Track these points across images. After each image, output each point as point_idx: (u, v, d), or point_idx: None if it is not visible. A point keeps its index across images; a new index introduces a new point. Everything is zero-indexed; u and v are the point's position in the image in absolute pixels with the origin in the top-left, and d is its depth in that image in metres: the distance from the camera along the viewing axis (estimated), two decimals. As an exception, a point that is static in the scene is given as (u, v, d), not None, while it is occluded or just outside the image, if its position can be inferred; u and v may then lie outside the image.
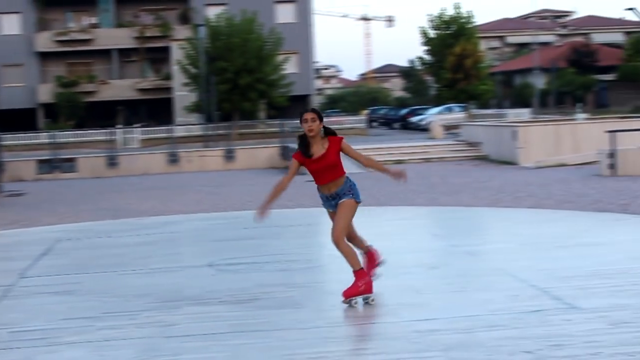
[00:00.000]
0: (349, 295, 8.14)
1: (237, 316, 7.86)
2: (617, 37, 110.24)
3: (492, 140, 32.29)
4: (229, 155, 34.30)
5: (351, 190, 8.37)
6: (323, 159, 8.22)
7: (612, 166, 22.24)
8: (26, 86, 68.69)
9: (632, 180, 20.72)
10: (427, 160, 32.30)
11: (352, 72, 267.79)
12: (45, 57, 69.66)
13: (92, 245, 13.63)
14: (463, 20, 63.66)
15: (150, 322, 7.80)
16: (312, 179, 8.49)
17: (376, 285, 8.31)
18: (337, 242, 8.21)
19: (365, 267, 8.55)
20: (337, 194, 8.33)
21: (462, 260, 10.31)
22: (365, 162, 8.48)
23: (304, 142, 8.28)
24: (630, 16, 72.56)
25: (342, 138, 8.37)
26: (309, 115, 8.22)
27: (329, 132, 8.35)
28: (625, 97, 77.86)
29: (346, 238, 8.37)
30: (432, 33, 64.60)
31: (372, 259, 8.84)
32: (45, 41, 68.95)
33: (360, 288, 8.15)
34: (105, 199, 22.61)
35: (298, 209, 17.70)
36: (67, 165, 34.03)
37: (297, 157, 8.36)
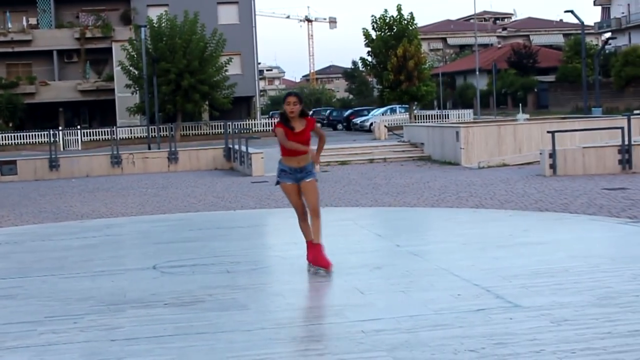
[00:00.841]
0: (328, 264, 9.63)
1: (182, 319, 7.81)
2: (557, 39, 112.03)
3: (435, 141, 32.53)
4: (173, 157, 34.09)
5: (312, 169, 9.82)
6: (302, 134, 9.65)
7: (552, 166, 22.54)
8: (-36, 87, 67.66)
9: (571, 179, 21.02)
10: (371, 161, 32.44)
11: (295, 73, 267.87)
12: (-16, 58, 68.68)
13: (33, 248, 13.44)
14: (405, 21, 64.00)
15: (93, 325, 7.72)
16: (281, 154, 9.74)
17: (320, 286, 8.34)
18: (319, 214, 9.69)
19: (307, 255, 9.91)
20: (304, 168, 9.71)
21: (406, 260, 10.36)
22: (324, 141, 10.35)
23: (286, 118, 9.65)
24: (569, 18, 73.49)
25: (315, 119, 10.09)
26: (292, 99, 9.67)
27: (304, 114, 9.87)
28: (565, 98, 79.00)
29: (300, 218, 9.86)
30: (374, 34, 64.85)
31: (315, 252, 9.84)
32: (-17, 42, 67.97)
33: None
34: (46, 202, 22.33)
35: (242, 211, 17.66)
36: (7, 167, 33.51)
37: (282, 127, 9.60)
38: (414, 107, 65.76)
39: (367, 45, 65.52)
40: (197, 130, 61.09)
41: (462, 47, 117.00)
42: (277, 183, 10.01)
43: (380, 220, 15.72)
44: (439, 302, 7.96)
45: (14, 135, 58.03)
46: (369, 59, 66.53)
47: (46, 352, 6.89)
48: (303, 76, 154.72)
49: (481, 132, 30.35)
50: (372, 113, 67.28)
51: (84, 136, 56.84)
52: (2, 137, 58.72)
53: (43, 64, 69.74)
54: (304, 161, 9.69)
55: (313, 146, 9.82)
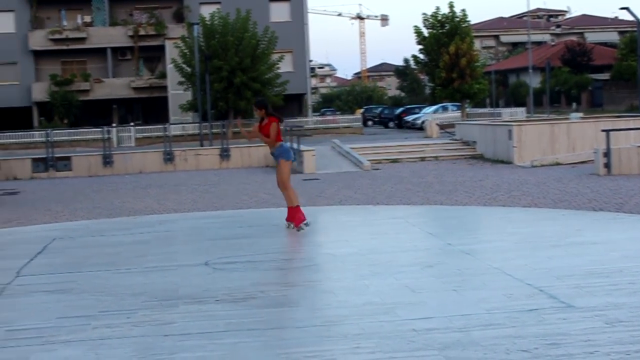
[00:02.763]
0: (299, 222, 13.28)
1: (233, 315, 7.85)
2: (612, 37, 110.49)
3: (487, 139, 32.31)
4: (225, 154, 34.26)
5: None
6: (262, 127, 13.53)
7: (607, 165, 22.26)
8: (21, 85, 68.59)
9: (626, 179, 20.75)
10: (422, 159, 32.30)
11: (346, 70, 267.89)
12: (40, 55, 69.56)
13: (87, 244, 13.60)
14: (457, 19, 63.61)
15: (146, 320, 7.78)
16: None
17: (372, 284, 8.33)
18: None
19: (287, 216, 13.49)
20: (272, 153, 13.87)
21: (457, 259, 10.31)
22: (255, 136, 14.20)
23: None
24: (624, 15, 72.54)
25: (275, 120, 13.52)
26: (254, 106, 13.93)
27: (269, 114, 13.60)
28: (620, 96, 77.96)
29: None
30: (426, 32, 64.54)
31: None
32: (39, 39, 68.85)
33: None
34: (100, 198, 22.58)
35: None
36: (62, 164, 33.95)
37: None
38: (466, 105, 65.35)
39: (419, 42, 65.24)
40: (249, 127, 61.30)
41: (515, 45, 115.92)
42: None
43: (431, 218, 15.66)
44: (491, 301, 7.90)
45: (69, 132, 58.72)
46: (421, 56, 66.24)
47: (100, 346, 6.96)
48: (354, 74, 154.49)
49: (534, 130, 30.08)
50: (423, 111, 66.95)
51: (137, 133, 57.32)
52: (57, 133, 59.46)
53: (97, 61, 70.45)
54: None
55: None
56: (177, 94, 63.48)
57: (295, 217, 13.39)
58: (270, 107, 13.90)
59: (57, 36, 68.71)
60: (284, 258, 10.90)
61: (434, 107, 66.32)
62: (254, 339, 6.92)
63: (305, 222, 13.42)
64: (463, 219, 15.02)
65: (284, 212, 16.35)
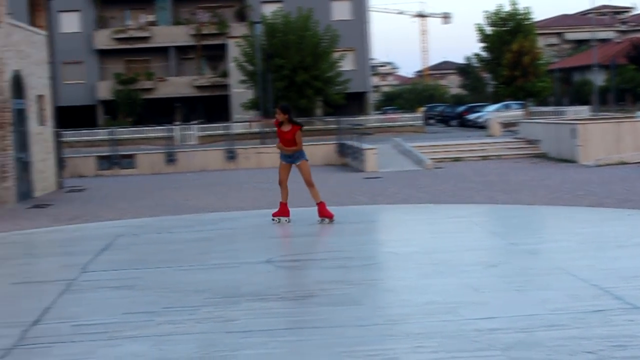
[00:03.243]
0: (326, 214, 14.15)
1: (295, 312, 7.87)
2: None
3: (550, 138, 31.96)
4: (286, 152, 34.35)
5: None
6: (284, 133, 14.14)
7: (674, 164, 21.89)
8: (86, 83, 69.66)
9: (694, 178, 20.38)
10: (485, 157, 32.08)
11: (408, 69, 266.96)
12: (104, 54, 70.56)
13: (151, 240, 13.75)
14: (520, 16, 63.05)
15: (209, 317, 7.84)
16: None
17: (435, 283, 8.28)
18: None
19: (279, 210, 14.43)
20: (290, 156, 14.52)
21: (521, 259, 10.21)
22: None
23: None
24: (693, 12, 71.11)
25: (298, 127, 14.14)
26: (277, 110, 14.22)
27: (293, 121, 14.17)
28: (687, 94, 76.47)
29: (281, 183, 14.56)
30: (489, 30, 64.05)
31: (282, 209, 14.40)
32: (104, 39, 69.84)
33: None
34: (163, 195, 22.81)
35: (354, 206, 17.68)
36: (126, 161, 34.41)
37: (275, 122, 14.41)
38: (529, 104, 64.73)
39: (481, 40, 64.78)
40: (310, 125, 61.49)
41: (579, 43, 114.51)
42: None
43: (494, 217, 15.53)
44: (555, 301, 7.81)
45: (133, 130, 59.46)
46: (484, 54, 65.75)
47: (164, 342, 7.02)
48: (416, 72, 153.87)
49: (599, 129, 29.69)
50: (485, 109, 66.44)
51: (199, 131, 57.80)
52: (121, 131, 60.19)
53: (160, 60, 71.23)
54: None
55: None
56: (239, 92, 63.89)
57: (326, 212, 14.21)
58: (293, 115, 14.59)
59: (121, 35, 69.61)
60: (345, 256, 10.88)
61: (496, 106, 65.76)
62: (316, 337, 6.93)
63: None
64: (526, 219, 14.87)
65: (345, 210, 16.38)
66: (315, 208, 14.33)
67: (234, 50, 62.05)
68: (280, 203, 14.52)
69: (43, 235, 14.50)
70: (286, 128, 14.16)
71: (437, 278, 9.24)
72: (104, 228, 15.01)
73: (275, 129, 14.45)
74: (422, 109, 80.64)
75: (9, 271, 11.32)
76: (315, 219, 14.18)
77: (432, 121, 76.58)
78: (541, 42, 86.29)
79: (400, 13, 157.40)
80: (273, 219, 14.47)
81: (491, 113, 61.78)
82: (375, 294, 8.76)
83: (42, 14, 26.95)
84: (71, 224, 16.05)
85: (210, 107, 70.80)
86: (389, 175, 26.20)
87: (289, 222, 14.33)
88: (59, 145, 27.47)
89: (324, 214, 14.20)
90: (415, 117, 66.40)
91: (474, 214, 15.38)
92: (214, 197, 21.51)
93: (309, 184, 14.37)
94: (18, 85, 23.37)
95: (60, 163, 27.75)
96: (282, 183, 14.57)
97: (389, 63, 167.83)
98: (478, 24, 64.63)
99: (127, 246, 13.13)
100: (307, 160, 14.57)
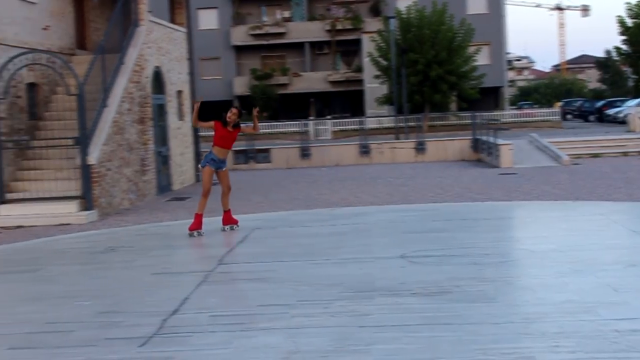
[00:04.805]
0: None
1: (429, 309, 7.83)
2: None
3: (695, 134, 30.82)
4: (420, 148, 34.24)
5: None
6: (233, 133, 13.80)
7: None
8: (223, 79, 70.97)
9: None
10: (625, 154, 31.18)
11: (545, 63, 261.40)
12: (241, 50, 71.74)
13: (285, 234, 13.92)
14: (664, 7, 60.89)
15: (342, 311, 7.88)
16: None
17: (572, 282, 8.10)
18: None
19: (222, 220, 14.43)
20: (223, 161, 14.06)
21: (663, 259, 9.88)
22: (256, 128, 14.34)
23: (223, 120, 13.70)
24: None
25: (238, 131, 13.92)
26: (235, 110, 13.90)
27: (238, 124, 13.90)
28: None
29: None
30: (630, 22, 62.14)
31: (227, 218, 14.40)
32: (240, 35, 71.00)
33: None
34: (298, 189, 23.05)
35: (489, 202, 17.47)
36: (262, 156, 34.93)
37: (217, 123, 13.82)
38: (673, 98, 62.53)
39: (622, 33, 62.91)
40: (445, 120, 61.07)
41: None
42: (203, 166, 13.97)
43: (635, 215, 15.06)
44: (700, 303, 7.53)
45: (268, 125, 60.30)
46: (624, 47, 63.85)
47: (298, 334, 7.10)
48: (553, 66, 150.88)
49: None
50: (626, 104, 64.51)
51: (333, 126, 58.13)
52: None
53: (295, 55, 71.95)
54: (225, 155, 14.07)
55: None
56: (373, 87, 63.94)
57: (231, 219, 14.55)
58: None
59: (257, 31, 70.62)
60: (479, 253, 10.76)
61: (637, 100, 63.79)
62: (450, 334, 6.88)
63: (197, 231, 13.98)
64: (669, 217, 14.39)
65: (479, 206, 16.22)
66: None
67: (368, 45, 62.13)
68: (197, 214, 14.02)
69: (181, 228, 14.87)
70: (233, 129, 13.82)
71: (574, 277, 9.04)
72: (240, 221, 15.27)
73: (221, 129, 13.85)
74: (559, 104, 78.97)
75: (149, 262, 11.66)
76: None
77: (569, 116, 74.94)
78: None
79: (538, 6, 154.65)
80: (190, 234, 13.94)
81: (632, 108, 59.90)
82: (511, 291, 8.64)
83: (182, 12, 27.60)
84: (209, 217, 16.37)
85: (344, 102, 71.12)
86: (525, 171, 25.77)
87: (202, 234, 13.95)
88: (197, 139, 28.09)
89: (230, 221, 14.44)
90: (552, 112, 65.04)
91: (613, 212, 14.96)
92: (348, 192, 21.60)
93: (229, 190, 14.38)
94: (158, 81, 24.01)
95: (198, 157, 28.36)
96: (209, 192, 14.10)
97: (525, 57, 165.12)
98: (619, 16, 62.74)
99: (262, 239, 13.33)
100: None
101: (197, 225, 13.88)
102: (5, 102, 18.69)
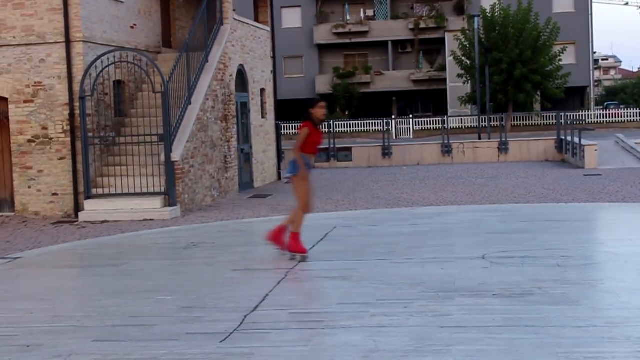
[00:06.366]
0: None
1: (511, 310, 7.74)
2: None
3: None
4: (503, 147, 33.90)
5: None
6: (321, 134, 11.22)
7: None
8: (305, 77, 71.23)
9: None
10: None
11: (632, 62, 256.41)
12: (323, 48, 71.89)
13: (366, 232, 13.92)
14: None
15: (423, 311, 7.85)
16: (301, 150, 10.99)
17: (658, 286, 7.96)
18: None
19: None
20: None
21: None
22: None
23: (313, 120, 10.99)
24: None
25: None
26: (324, 104, 11.19)
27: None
28: None
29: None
30: None
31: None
32: (323, 34, 71.15)
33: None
34: (379, 188, 23.03)
35: (573, 204, 17.21)
36: (343, 154, 34.99)
37: (309, 126, 10.93)
38: None
39: None
40: (528, 120, 60.38)
41: None
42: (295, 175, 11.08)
43: None
44: None
45: (350, 124, 60.33)
46: None
47: (378, 333, 7.09)
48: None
49: None
50: None
51: (415, 125, 57.94)
52: (338, 124, 61.29)
53: (378, 54, 71.82)
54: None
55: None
56: (456, 86, 63.54)
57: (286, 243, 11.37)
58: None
59: (340, 30, 70.69)
60: (562, 255, 10.61)
61: None
62: (532, 336, 6.80)
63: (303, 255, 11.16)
64: None
65: (561, 207, 15.98)
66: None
67: (452, 44, 61.75)
68: (295, 234, 11.19)
69: (262, 225, 14.97)
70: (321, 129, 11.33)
71: (660, 281, 8.86)
72: (321, 219, 15.32)
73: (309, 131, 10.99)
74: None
75: (231, 258, 11.78)
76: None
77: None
78: None
79: (626, 4, 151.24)
80: (292, 256, 11.21)
81: None
82: (594, 294, 8.50)
83: (266, 10, 27.80)
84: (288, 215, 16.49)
85: (426, 101, 70.79)
86: (610, 172, 25.32)
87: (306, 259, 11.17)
88: (279, 137, 28.26)
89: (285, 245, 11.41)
90: (639, 113, 63.81)
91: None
92: (429, 191, 21.50)
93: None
94: (241, 79, 24.22)
95: (280, 155, 28.54)
96: (309, 205, 11.38)
97: (612, 56, 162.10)
98: None
99: (343, 238, 13.35)
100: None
101: (300, 248, 11.16)
102: (93, 100, 19.06)
